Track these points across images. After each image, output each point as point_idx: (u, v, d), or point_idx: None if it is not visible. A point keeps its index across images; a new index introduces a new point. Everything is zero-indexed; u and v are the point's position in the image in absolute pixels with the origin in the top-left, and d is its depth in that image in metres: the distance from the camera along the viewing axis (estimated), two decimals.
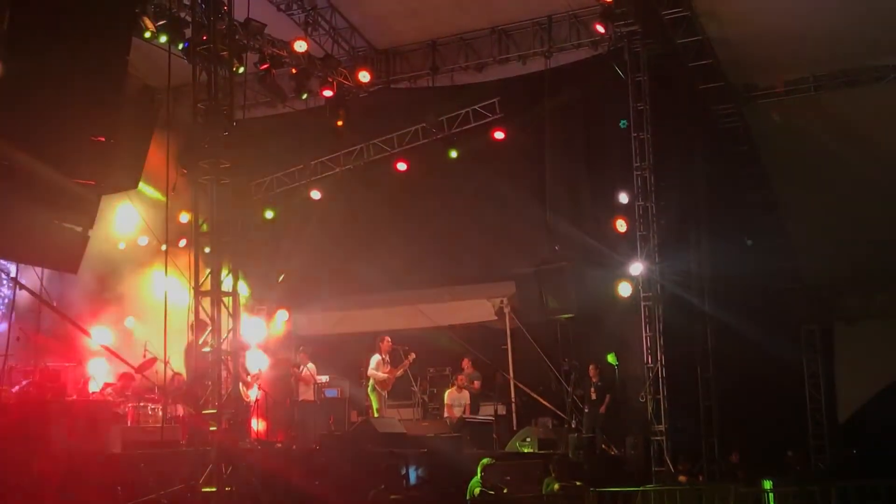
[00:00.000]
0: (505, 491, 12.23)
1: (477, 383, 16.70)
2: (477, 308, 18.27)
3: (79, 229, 12.62)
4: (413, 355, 16.36)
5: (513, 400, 17.19)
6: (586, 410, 15.96)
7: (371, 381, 16.27)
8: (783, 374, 19.79)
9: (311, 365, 16.39)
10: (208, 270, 12.06)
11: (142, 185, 17.17)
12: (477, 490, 12.02)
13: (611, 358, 15.89)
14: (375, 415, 15.80)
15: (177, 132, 14.94)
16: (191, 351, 12.96)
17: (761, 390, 18.44)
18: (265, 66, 16.42)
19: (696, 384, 17.44)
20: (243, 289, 16.35)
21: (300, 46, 16.74)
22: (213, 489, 10.93)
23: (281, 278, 19.29)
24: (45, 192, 11.72)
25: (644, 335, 16.21)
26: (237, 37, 13.89)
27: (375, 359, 16.30)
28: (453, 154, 18.14)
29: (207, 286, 12.01)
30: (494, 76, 18.26)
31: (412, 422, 16.14)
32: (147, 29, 14.18)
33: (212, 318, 11.91)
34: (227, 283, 12.10)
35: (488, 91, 18.07)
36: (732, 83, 17.91)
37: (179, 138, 14.69)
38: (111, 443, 12.14)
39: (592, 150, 17.47)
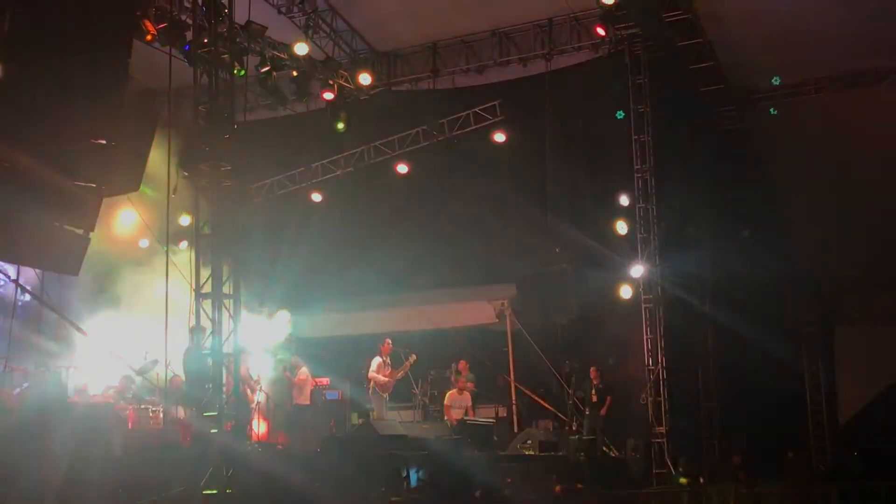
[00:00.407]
0: None
1: (470, 385, 16.67)
2: (478, 310, 18.27)
3: (80, 231, 12.64)
4: (414, 357, 16.36)
5: (514, 402, 17.19)
6: (587, 412, 15.96)
7: (371, 384, 16.27)
8: (784, 376, 19.76)
9: (304, 368, 16.32)
10: (209, 273, 12.07)
11: (142, 188, 17.17)
12: None
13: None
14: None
15: (178, 135, 14.99)
16: (189, 354, 12.96)
17: (762, 392, 18.42)
18: (266, 68, 16.43)
19: (696, 386, 17.45)
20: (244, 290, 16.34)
21: (301, 49, 16.75)
22: (214, 491, 10.93)
23: None
24: (46, 194, 11.73)
25: (645, 337, 16.23)
26: (238, 40, 13.90)
27: (376, 361, 16.30)
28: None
29: (208, 288, 12.03)
30: (495, 79, 18.28)
31: (413, 424, 16.12)
32: (148, 31, 14.18)
33: (213, 321, 11.93)
34: (227, 285, 12.11)
35: (489, 93, 18.09)
36: (733, 85, 17.92)
37: (180, 141, 14.73)
38: (112, 445, 12.15)
39: (593, 152, 17.48)
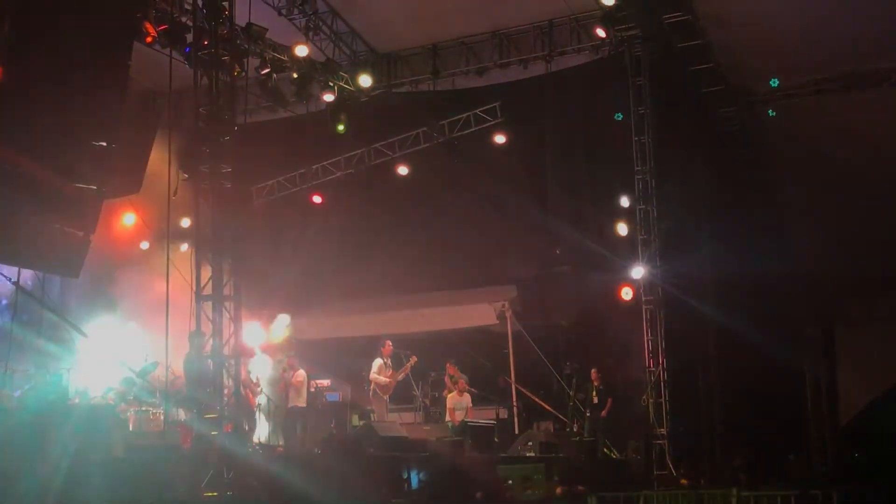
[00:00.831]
0: None
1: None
2: (478, 312, 18.28)
3: (80, 234, 12.62)
4: (414, 359, 16.39)
5: (514, 404, 17.18)
6: (588, 414, 15.96)
7: (372, 385, 16.27)
8: (785, 378, 19.75)
9: (301, 371, 16.27)
10: (210, 275, 12.07)
11: (143, 190, 17.18)
12: None
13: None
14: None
15: (178, 137, 15.00)
16: (191, 359, 12.95)
17: (763, 394, 18.42)
18: (266, 70, 16.43)
19: (697, 388, 17.43)
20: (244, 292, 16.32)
21: (301, 51, 16.75)
22: (215, 493, 10.93)
23: None
24: (46, 196, 11.73)
25: (645, 339, 16.21)
26: (238, 41, 13.92)
27: (377, 363, 16.31)
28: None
29: (209, 290, 12.03)
30: (495, 80, 18.25)
31: (413, 425, 16.13)
32: (148, 34, 14.20)
33: (213, 323, 11.93)
34: (228, 287, 12.11)
35: (489, 95, 18.08)
36: (733, 87, 17.92)
37: (181, 143, 14.73)
38: (113, 447, 12.14)
39: (593, 153, 17.48)
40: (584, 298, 16.76)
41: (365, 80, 17.84)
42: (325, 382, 16.94)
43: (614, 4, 15.71)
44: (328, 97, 17.72)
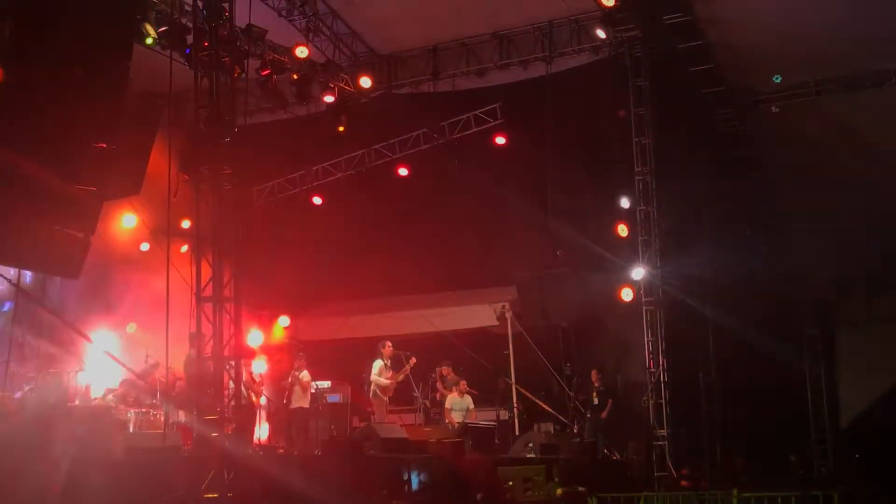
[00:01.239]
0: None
1: (463, 384, 16.62)
2: (479, 313, 18.27)
3: (80, 235, 12.63)
4: (414, 360, 16.38)
5: (515, 405, 17.17)
6: (588, 415, 15.96)
7: (373, 387, 16.26)
8: (785, 379, 19.75)
9: (304, 373, 16.29)
10: (210, 276, 12.06)
11: (143, 191, 17.16)
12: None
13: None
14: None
15: (178, 138, 14.97)
16: (191, 361, 12.95)
17: (764, 395, 18.40)
18: (266, 71, 16.44)
19: (698, 389, 17.43)
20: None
21: (301, 52, 16.76)
22: (216, 495, 10.91)
23: None
24: (46, 197, 11.73)
25: (646, 340, 16.20)
26: (238, 43, 13.91)
27: (377, 364, 16.30)
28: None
29: (209, 292, 12.01)
30: (496, 81, 18.27)
31: (414, 427, 16.12)
32: (149, 35, 14.20)
33: (213, 324, 11.91)
34: (228, 288, 12.10)
35: (489, 96, 18.09)
36: (733, 87, 17.92)
37: (181, 144, 14.71)
38: (113, 449, 12.13)
39: (594, 154, 17.46)
40: (585, 299, 16.74)
41: (365, 82, 17.86)
42: (324, 384, 16.92)
43: (614, 5, 15.70)
44: (328, 98, 17.72)
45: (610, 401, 15.85)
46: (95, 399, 14.40)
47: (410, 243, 18.76)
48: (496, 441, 15.77)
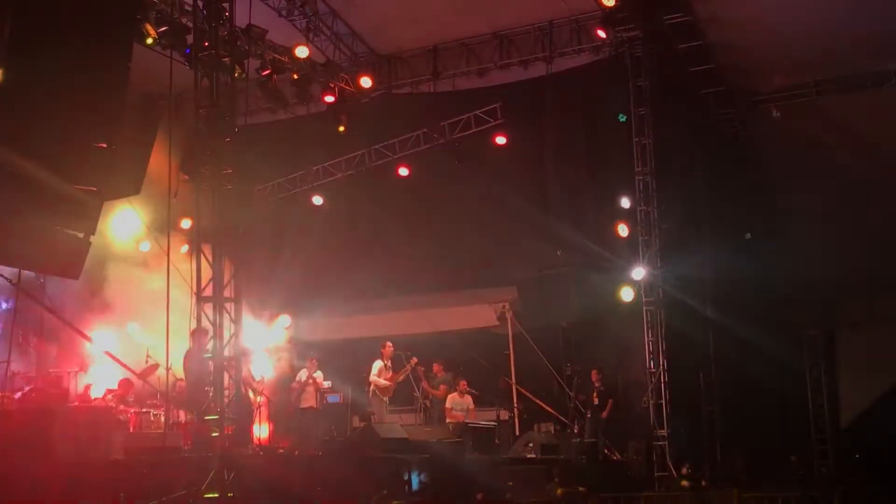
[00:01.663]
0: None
1: (443, 387, 16.63)
2: (479, 313, 18.25)
3: (80, 235, 12.61)
4: (415, 360, 16.38)
5: (515, 405, 17.17)
6: (588, 415, 15.93)
7: (373, 387, 16.26)
8: (785, 379, 19.71)
9: (319, 373, 16.38)
10: (210, 276, 12.07)
11: (143, 191, 17.18)
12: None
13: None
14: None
15: (179, 138, 14.98)
16: (190, 357, 12.96)
17: (764, 395, 18.39)
18: (267, 71, 16.44)
19: (698, 389, 17.39)
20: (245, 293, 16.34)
21: (302, 52, 16.76)
22: (216, 495, 10.92)
23: None
24: (46, 198, 11.71)
25: (646, 340, 16.20)
26: (239, 43, 13.92)
27: (377, 364, 16.31)
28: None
29: (209, 292, 12.02)
30: (496, 81, 18.27)
31: (414, 427, 16.12)
32: (149, 35, 14.20)
33: (214, 324, 11.92)
34: (229, 288, 12.11)
35: (490, 96, 18.07)
36: (734, 88, 17.91)
37: (181, 144, 14.72)
38: (113, 449, 12.16)
39: (594, 154, 17.46)
40: (585, 299, 16.73)
41: (365, 82, 17.86)
42: (326, 384, 16.92)
43: (614, 5, 15.70)
44: (328, 98, 17.72)
45: (610, 401, 15.83)
46: (95, 399, 14.41)
47: (410, 243, 18.75)
48: (496, 441, 15.75)
